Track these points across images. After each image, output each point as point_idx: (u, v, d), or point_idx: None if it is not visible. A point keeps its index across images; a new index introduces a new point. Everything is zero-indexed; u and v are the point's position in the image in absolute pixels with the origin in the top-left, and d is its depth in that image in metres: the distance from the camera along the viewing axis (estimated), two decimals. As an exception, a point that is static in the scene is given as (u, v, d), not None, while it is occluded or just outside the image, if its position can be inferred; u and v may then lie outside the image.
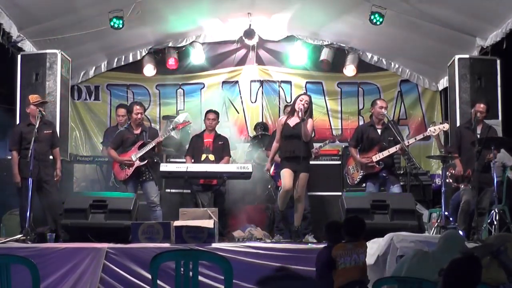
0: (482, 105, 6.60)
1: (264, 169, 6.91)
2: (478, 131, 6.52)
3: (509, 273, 3.34)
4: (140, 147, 6.91)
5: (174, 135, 7.43)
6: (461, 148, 6.58)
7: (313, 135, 8.84)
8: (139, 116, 7.03)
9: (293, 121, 6.52)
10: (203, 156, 7.38)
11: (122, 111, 8.17)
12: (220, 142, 7.52)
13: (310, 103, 6.55)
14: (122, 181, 6.97)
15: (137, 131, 7.06)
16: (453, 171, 6.51)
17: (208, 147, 7.45)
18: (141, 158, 6.86)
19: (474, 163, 6.29)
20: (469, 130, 6.60)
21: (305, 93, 7.04)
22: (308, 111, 6.49)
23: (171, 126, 7.49)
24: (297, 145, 6.36)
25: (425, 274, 3.71)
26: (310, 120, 6.52)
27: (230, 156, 7.65)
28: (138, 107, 7.09)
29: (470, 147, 6.46)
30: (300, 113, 6.34)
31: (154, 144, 6.90)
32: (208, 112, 7.76)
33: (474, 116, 6.57)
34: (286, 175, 6.40)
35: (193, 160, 7.43)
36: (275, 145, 6.67)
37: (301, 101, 6.46)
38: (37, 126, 6.37)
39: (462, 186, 6.44)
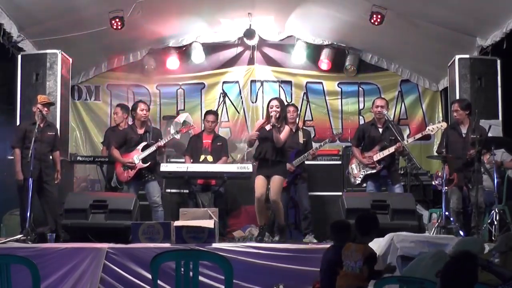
0: (454, 104, 6.66)
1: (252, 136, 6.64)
2: (464, 130, 6.53)
3: (504, 279, 3.34)
4: (143, 149, 6.91)
5: (175, 136, 7.43)
6: (447, 148, 6.58)
7: (314, 135, 8.91)
8: (144, 112, 7.02)
9: (269, 125, 6.47)
10: (202, 157, 7.38)
11: (117, 109, 8.16)
12: (218, 143, 7.52)
13: (281, 106, 6.46)
14: (125, 182, 6.97)
15: (141, 131, 7.04)
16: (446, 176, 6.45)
17: (207, 148, 7.44)
18: (144, 160, 6.86)
19: (460, 163, 6.36)
20: (454, 130, 6.62)
21: (274, 98, 6.89)
22: (280, 116, 6.42)
23: (175, 130, 7.49)
24: (269, 149, 6.36)
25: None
26: (286, 128, 6.47)
27: (228, 157, 7.66)
28: (142, 105, 7.11)
29: (455, 147, 6.48)
30: (270, 120, 6.32)
31: (156, 148, 6.90)
32: (207, 113, 7.75)
33: (454, 116, 6.65)
34: (258, 182, 6.39)
35: (191, 160, 7.43)
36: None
37: (271, 108, 6.44)
38: (40, 126, 6.39)
39: (446, 188, 6.46)
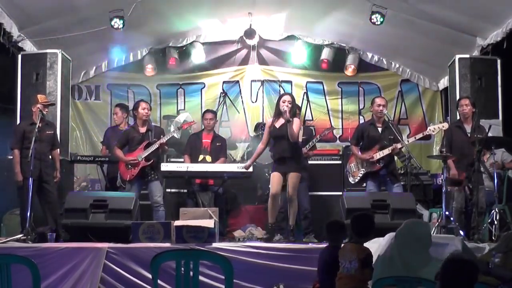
0: (464, 99, 6.66)
1: (242, 166, 6.76)
2: (469, 129, 6.52)
3: (504, 281, 3.34)
4: (146, 147, 6.91)
5: (176, 135, 7.44)
6: (452, 147, 6.57)
7: (314, 133, 8.90)
8: (145, 111, 7.04)
9: (279, 122, 6.49)
10: (200, 157, 7.38)
11: (117, 109, 8.18)
12: (218, 144, 7.52)
13: (293, 101, 6.52)
14: (128, 180, 6.97)
15: (143, 130, 7.05)
16: (447, 175, 6.42)
17: (206, 148, 7.45)
18: (147, 158, 6.87)
19: (465, 162, 6.32)
20: (459, 129, 6.61)
21: (286, 93, 6.93)
22: (292, 111, 6.43)
23: (176, 126, 7.48)
24: (283, 146, 6.37)
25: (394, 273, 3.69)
26: (296, 120, 6.50)
27: (226, 158, 7.65)
28: (144, 104, 7.13)
29: (461, 146, 6.46)
30: (285, 115, 6.33)
31: (158, 146, 6.90)
32: (205, 112, 7.77)
33: (460, 113, 6.63)
34: (274, 179, 6.42)
35: (190, 159, 7.42)
36: (260, 146, 6.66)
37: (283, 102, 6.44)
38: (39, 125, 6.38)
39: (456, 188, 6.45)
